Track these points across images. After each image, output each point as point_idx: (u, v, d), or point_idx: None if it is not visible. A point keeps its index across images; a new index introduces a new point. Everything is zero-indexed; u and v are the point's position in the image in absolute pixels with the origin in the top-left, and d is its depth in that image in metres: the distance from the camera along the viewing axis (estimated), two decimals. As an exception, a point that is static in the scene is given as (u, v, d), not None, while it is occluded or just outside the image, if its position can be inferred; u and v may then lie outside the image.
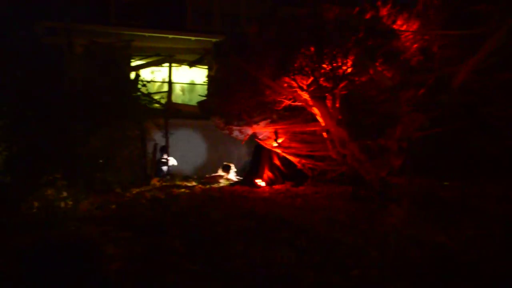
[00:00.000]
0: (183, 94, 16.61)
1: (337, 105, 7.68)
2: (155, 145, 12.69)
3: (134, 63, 14.70)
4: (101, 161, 9.87)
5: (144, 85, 11.79)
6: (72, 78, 10.31)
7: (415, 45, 7.69)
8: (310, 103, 8.58)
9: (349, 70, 7.47)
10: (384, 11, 7.87)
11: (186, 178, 12.60)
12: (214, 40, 11.55)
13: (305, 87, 8.28)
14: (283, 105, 9.04)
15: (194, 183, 11.52)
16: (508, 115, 9.32)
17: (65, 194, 7.97)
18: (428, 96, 6.81)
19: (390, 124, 6.83)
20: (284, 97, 8.86)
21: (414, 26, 7.75)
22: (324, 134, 8.87)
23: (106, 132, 10.14)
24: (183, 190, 10.18)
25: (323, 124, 8.44)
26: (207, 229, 6.65)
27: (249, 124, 9.45)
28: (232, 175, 12.35)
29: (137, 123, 11.49)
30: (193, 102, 13.47)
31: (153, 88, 15.38)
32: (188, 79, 16.47)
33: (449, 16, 7.23)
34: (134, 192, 9.87)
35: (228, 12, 15.93)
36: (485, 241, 6.01)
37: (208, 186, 10.87)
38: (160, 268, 4.99)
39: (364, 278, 4.91)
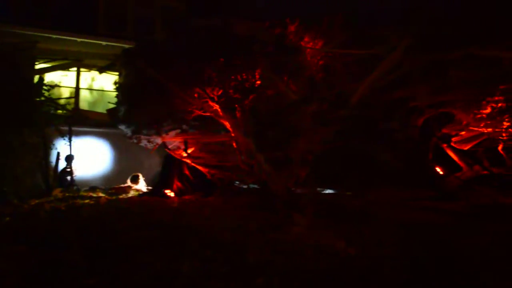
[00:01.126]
0: (92, 101, 15.88)
1: (245, 116, 7.83)
2: (58, 154, 11.94)
3: (38, 66, 13.80)
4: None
5: (48, 90, 11.10)
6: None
7: (321, 62, 8.11)
8: (221, 114, 8.65)
9: (258, 83, 7.66)
10: (292, 28, 8.20)
11: (93, 189, 12.04)
12: (127, 46, 11.24)
13: (216, 98, 8.34)
14: (193, 115, 9.00)
15: (101, 194, 11.03)
16: (409, 131, 10.15)
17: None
18: (330, 111, 7.19)
19: (294, 136, 7.10)
20: (194, 107, 8.84)
21: (320, 43, 8.17)
22: (234, 145, 8.97)
23: (3, 139, 9.39)
24: (87, 201, 9.70)
25: (232, 135, 8.55)
26: (110, 241, 6.39)
27: (159, 134, 9.28)
28: (142, 186, 12.02)
29: (39, 130, 10.77)
30: (103, 110, 12.95)
31: (61, 93, 14.54)
32: (98, 85, 15.79)
33: (351, 36, 7.74)
34: (33, 203, 9.22)
35: (142, 18, 15.55)
36: (383, 245, 6.44)
37: (114, 197, 10.47)
38: (54, 284, 4.70)
39: (268, 286, 5.02)
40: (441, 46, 8.57)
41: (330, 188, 10.45)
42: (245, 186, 9.74)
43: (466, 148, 10.83)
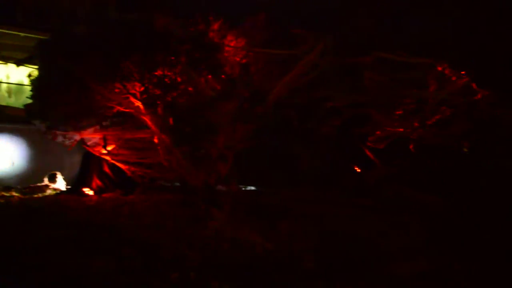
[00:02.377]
0: (9, 95, 14.94)
1: (164, 112, 7.80)
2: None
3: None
4: None
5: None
6: None
7: (243, 60, 8.27)
8: (142, 110, 8.54)
9: (179, 79, 7.65)
10: (215, 26, 8.28)
11: (7, 188, 11.35)
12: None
13: (138, 94, 8.22)
14: (113, 111, 8.80)
15: (15, 194, 10.44)
16: (327, 131, 10.61)
17: None
18: (248, 109, 7.36)
19: (213, 133, 7.19)
20: (115, 103, 8.64)
21: (242, 42, 8.33)
22: (156, 141, 8.89)
23: None
24: (-3, 200, 9.17)
25: (153, 131, 8.47)
26: (20, 240, 6.15)
27: (76, 130, 8.97)
28: (61, 185, 11.54)
29: None
30: (21, 105, 12.25)
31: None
32: (16, 79, 14.89)
33: (271, 37, 7.97)
34: None
35: (65, 10, 14.83)
36: (298, 239, 6.71)
37: (28, 196, 9.96)
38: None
39: (183, 280, 5.08)
40: (356, 50, 9.08)
41: (252, 185, 10.68)
42: (168, 184, 9.69)
43: (381, 147, 11.44)
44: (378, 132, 11.33)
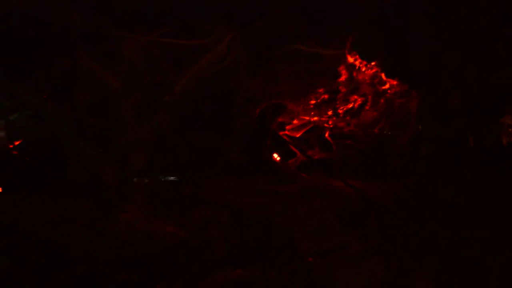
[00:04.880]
0: None
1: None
2: None
3: None
4: None
5: None
6: None
7: (150, 51, 8.10)
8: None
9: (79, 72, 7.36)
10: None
11: None
12: None
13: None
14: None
15: None
16: (243, 120, 10.74)
17: None
18: (155, 99, 7.29)
19: (120, 124, 7.06)
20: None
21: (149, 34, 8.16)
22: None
23: None
24: None
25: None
26: None
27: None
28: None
29: None
30: None
31: None
32: None
33: (178, 26, 7.90)
34: None
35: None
36: (212, 227, 6.81)
37: None
38: None
39: (91, 274, 4.99)
40: (268, 41, 9.29)
41: (172, 176, 10.59)
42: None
43: (298, 135, 11.84)
44: (295, 121, 11.71)
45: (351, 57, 10.84)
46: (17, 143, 8.99)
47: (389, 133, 11.81)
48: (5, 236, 6.18)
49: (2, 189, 9.09)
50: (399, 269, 5.16)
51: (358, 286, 4.84)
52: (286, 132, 11.96)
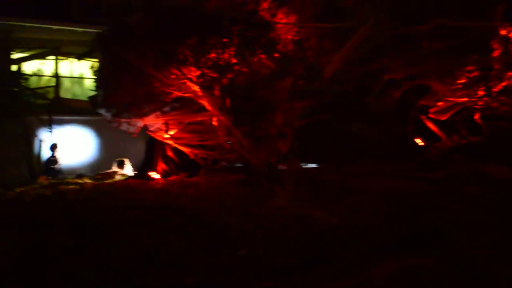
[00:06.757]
0: (73, 89, 15.78)
1: (221, 94, 7.91)
2: (41, 143, 12.00)
3: (15, 55, 13.64)
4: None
5: (26, 79, 11.08)
6: None
7: (296, 37, 8.18)
8: (200, 94, 8.72)
9: (234, 60, 7.72)
10: (265, 5, 8.22)
11: (80, 176, 12.10)
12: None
13: (194, 78, 8.40)
14: (172, 96, 9.06)
15: (86, 180, 11.10)
16: (384, 104, 10.33)
17: None
18: (304, 85, 7.30)
19: (270, 111, 7.21)
20: (173, 88, 8.88)
21: (293, 19, 8.22)
22: (214, 123, 9.07)
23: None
24: (72, 186, 9.79)
25: (212, 113, 8.64)
26: (95, 222, 6.53)
27: (139, 116, 9.34)
28: (128, 170, 12.11)
29: (19, 119, 10.81)
30: (85, 97, 12.94)
31: (40, 83, 14.44)
32: (78, 73, 15.67)
33: (322, 10, 7.80)
34: (18, 191, 9.27)
35: (118, 2, 15.26)
36: (364, 214, 6.64)
37: (100, 182, 10.56)
38: (43, 263, 4.80)
39: (250, 256, 5.19)
40: (410, 18, 8.70)
41: (312, 163, 10.65)
42: (229, 165, 9.90)
43: (444, 118, 11.03)
44: (440, 103, 10.90)
45: (504, 29, 9.63)
46: (171, 132, 9.84)
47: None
48: (175, 217, 6.78)
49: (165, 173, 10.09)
50: None
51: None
52: (430, 115, 11.20)
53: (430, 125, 11.24)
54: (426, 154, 11.07)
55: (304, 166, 9.66)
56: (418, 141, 11.39)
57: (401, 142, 10.85)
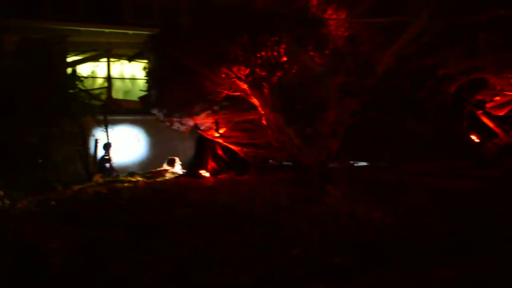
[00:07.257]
0: (125, 89, 16.29)
1: (273, 92, 7.92)
2: (97, 142, 12.47)
3: (70, 58, 14.23)
4: (40, 160, 9.67)
5: (81, 81, 11.55)
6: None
7: (346, 33, 8.06)
8: (249, 92, 8.78)
9: (284, 58, 7.71)
10: (315, 1, 8.15)
11: (131, 174, 12.46)
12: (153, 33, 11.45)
13: (243, 77, 8.46)
14: (222, 95, 9.17)
15: (139, 178, 11.42)
16: (438, 99, 9.99)
17: (1, 193, 7.78)
18: (356, 82, 7.18)
19: (322, 109, 7.14)
20: (223, 87, 9.00)
21: (343, 15, 8.10)
22: (264, 122, 9.09)
23: (43, 129, 9.92)
24: (126, 184, 10.09)
25: (261, 112, 8.67)
26: (151, 219, 6.70)
27: (190, 116, 9.52)
28: (178, 169, 12.35)
29: (76, 119, 11.28)
30: (135, 98, 13.33)
31: (94, 84, 15.01)
32: (129, 74, 16.16)
33: (373, 5, 7.63)
34: (75, 189, 9.67)
35: (167, 4, 15.62)
36: (419, 213, 6.45)
37: (152, 180, 10.83)
38: (103, 260, 4.98)
39: (304, 256, 5.17)
40: (466, 10, 8.34)
41: (362, 161, 10.46)
42: (276, 163, 9.88)
43: (501, 114, 10.56)
44: (497, 98, 10.44)
45: None
46: (221, 131, 9.96)
47: None
48: (227, 215, 6.85)
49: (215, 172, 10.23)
50: None
51: None
52: (487, 110, 10.75)
53: (487, 120, 10.79)
54: (482, 151, 10.63)
55: (355, 164, 9.50)
56: (474, 137, 10.95)
57: (456, 138, 10.48)
